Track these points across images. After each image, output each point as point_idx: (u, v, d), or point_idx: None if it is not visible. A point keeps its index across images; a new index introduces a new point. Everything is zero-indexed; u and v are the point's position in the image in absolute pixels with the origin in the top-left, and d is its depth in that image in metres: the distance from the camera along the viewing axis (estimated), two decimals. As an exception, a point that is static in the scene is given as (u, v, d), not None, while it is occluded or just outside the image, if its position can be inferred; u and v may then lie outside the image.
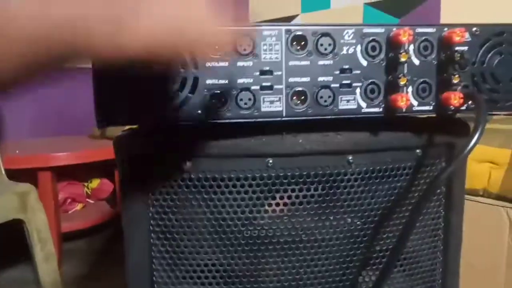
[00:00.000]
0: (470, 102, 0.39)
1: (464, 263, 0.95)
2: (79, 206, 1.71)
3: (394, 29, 0.37)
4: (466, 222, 0.94)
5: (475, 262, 0.95)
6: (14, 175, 1.21)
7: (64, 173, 1.55)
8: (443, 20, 1.65)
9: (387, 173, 0.44)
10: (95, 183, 1.78)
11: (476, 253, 0.95)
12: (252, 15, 2.27)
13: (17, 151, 1.42)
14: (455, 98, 0.38)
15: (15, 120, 1.73)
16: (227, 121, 0.37)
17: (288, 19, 2.16)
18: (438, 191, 0.47)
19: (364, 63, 0.38)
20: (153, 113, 0.36)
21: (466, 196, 0.96)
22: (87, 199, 1.77)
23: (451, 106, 0.38)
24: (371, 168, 0.43)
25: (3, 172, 1.12)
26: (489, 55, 0.40)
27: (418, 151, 0.45)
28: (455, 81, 0.38)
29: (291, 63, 0.37)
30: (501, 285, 0.92)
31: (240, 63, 0.36)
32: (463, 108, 0.40)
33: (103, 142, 1.53)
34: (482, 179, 0.93)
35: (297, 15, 2.14)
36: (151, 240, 0.43)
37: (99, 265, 1.54)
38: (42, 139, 1.74)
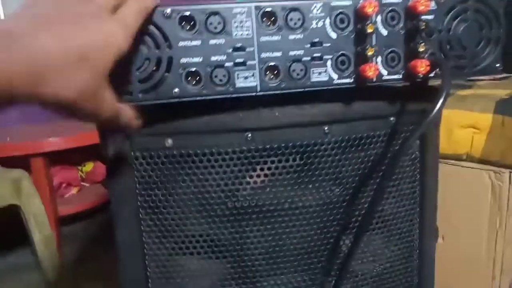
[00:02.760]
0: (437, 69, 0.41)
1: (449, 225, 0.99)
2: (74, 190, 1.73)
3: (361, 1, 0.38)
4: (451, 186, 0.98)
5: (459, 224, 0.99)
6: (7, 162, 1.22)
7: (57, 157, 1.56)
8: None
9: (362, 141, 0.46)
10: (89, 166, 1.80)
11: (460, 215, 0.99)
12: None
13: (8, 139, 1.43)
14: (421, 66, 0.39)
15: (3, 107, 1.73)
16: (203, 98, 0.38)
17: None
18: (413, 156, 0.49)
19: (334, 35, 0.39)
20: (131, 95, 0.37)
21: (450, 161, 0.99)
22: (82, 183, 1.79)
23: (419, 74, 0.40)
24: (346, 137, 0.45)
25: (-5, 159, 1.13)
26: (455, 22, 0.41)
27: (392, 119, 0.46)
28: (421, 49, 0.39)
29: (262, 39, 0.38)
30: (484, 243, 0.96)
31: (212, 41, 0.37)
32: (432, 75, 0.41)
33: (94, 125, 1.52)
34: (465, 144, 0.96)
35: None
36: (140, 215, 0.45)
37: (97, 247, 1.57)
38: (32, 125, 1.74)
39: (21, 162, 1.29)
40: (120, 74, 0.36)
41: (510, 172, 0.90)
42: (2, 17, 1.83)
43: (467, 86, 1.08)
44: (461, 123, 0.95)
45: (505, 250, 0.96)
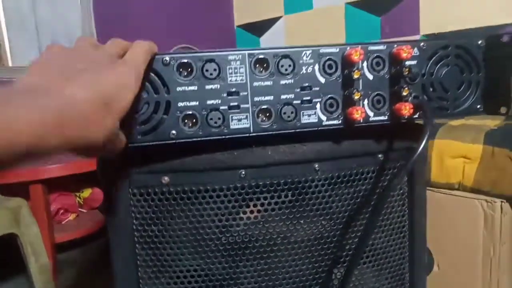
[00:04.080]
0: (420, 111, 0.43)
1: (444, 254, 1.00)
2: (72, 216, 1.72)
3: (348, 48, 0.41)
4: (444, 215, 0.99)
5: (454, 252, 1.00)
6: (6, 189, 1.23)
7: (55, 184, 1.57)
8: (422, 15, 1.71)
9: (352, 178, 0.48)
10: (86, 192, 1.80)
11: (454, 244, 1.00)
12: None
13: (7, 166, 1.44)
14: (405, 109, 0.41)
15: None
16: (199, 139, 0.40)
17: (271, 21, 2.19)
18: (401, 191, 0.51)
19: (322, 80, 0.42)
20: (132, 136, 0.39)
21: (443, 190, 1.01)
22: (80, 209, 1.78)
23: (404, 116, 0.42)
24: (336, 174, 0.47)
25: (-5, 187, 1.14)
26: (437, 67, 0.44)
27: (380, 156, 0.48)
28: (404, 93, 0.41)
29: (255, 83, 0.41)
30: (479, 272, 0.97)
31: (208, 86, 0.40)
32: (416, 116, 0.43)
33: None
34: (457, 174, 0.98)
35: (280, 17, 2.17)
36: (136, 251, 0.46)
37: (94, 274, 1.56)
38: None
39: (20, 188, 1.29)
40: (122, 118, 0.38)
41: (502, 202, 0.92)
42: (2, 17, 1.84)
43: (460, 116, 1.10)
44: (453, 153, 0.97)
45: (500, 278, 0.96)
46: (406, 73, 0.41)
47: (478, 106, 0.46)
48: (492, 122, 0.99)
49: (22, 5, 1.69)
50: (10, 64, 1.92)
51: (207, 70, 0.39)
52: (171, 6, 1.97)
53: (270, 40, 2.21)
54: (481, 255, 0.96)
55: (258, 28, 2.24)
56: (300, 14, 2.09)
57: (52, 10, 1.73)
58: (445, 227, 1.00)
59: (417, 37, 1.73)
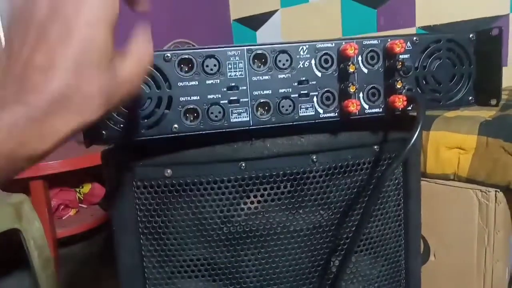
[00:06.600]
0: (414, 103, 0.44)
1: (440, 243, 1.02)
2: (72, 212, 1.74)
3: (343, 43, 0.42)
4: (440, 205, 1.01)
5: (449, 241, 1.02)
6: (6, 185, 1.24)
7: (55, 180, 1.58)
8: (417, 7, 1.72)
9: (348, 169, 0.49)
10: (86, 188, 1.82)
11: (450, 233, 1.02)
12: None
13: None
14: (399, 101, 0.43)
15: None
16: (200, 132, 0.42)
17: (268, 15, 2.20)
18: (397, 181, 0.53)
19: (319, 74, 0.43)
20: (135, 131, 0.40)
21: (439, 181, 1.03)
22: (80, 204, 1.80)
23: (397, 108, 0.44)
24: (333, 165, 0.48)
25: (-4, 184, 1.15)
26: (429, 60, 0.46)
27: (375, 147, 0.50)
28: (398, 86, 0.43)
29: (254, 78, 0.42)
30: (474, 260, 0.99)
31: (208, 81, 0.41)
32: (409, 108, 0.45)
33: (91, 148, 1.55)
34: (452, 164, 1.00)
35: (277, 10, 2.17)
36: (141, 241, 0.47)
37: (95, 268, 1.58)
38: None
39: (21, 184, 1.31)
40: (125, 113, 0.39)
41: (496, 191, 0.93)
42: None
43: (453, 108, 1.12)
44: (448, 144, 0.99)
45: (494, 266, 0.98)
46: (400, 66, 0.43)
47: (470, 98, 0.47)
48: (486, 113, 1.00)
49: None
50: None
51: (207, 66, 0.41)
52: (168, 0, 1.97)
53: (266, 33, 2.22)
54: (476, 243, 0.98)
55: (255, 22, 2.24)
56: (296, 7, 2.10)
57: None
58: (441, 217, 1.02)
59: (413, 30, 1.74)
